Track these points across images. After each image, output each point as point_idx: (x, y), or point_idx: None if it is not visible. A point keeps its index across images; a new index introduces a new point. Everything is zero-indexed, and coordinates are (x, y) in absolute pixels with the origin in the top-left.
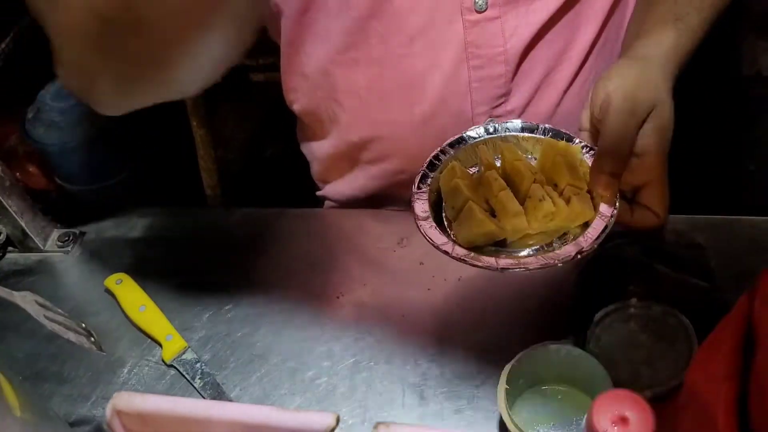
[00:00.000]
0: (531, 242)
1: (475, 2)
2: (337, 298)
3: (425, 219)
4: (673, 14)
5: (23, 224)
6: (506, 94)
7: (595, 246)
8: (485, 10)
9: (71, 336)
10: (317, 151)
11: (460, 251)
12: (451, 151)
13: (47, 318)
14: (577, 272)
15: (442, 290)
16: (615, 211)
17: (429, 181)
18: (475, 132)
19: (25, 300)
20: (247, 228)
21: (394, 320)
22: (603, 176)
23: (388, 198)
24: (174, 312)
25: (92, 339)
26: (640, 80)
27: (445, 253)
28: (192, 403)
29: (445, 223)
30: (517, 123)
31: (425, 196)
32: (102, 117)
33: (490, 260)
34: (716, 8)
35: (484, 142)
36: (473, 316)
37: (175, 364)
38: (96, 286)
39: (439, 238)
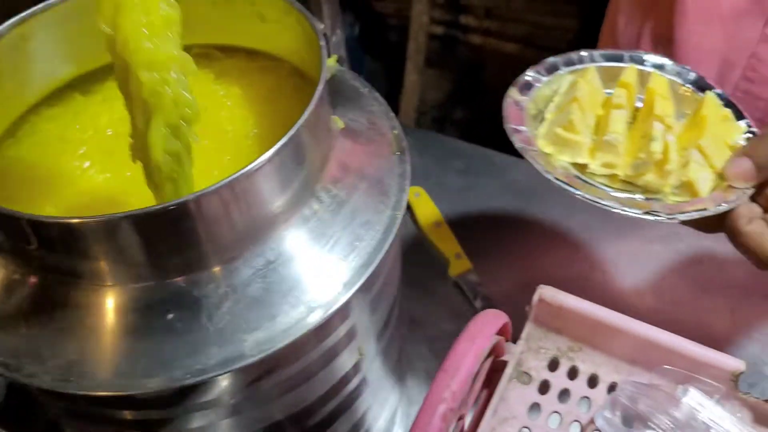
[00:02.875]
0: (611, 184)
1: None
2: (612, 267)
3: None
4: None
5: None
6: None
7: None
8: None
9: None
10: None
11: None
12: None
13: None
14: None
15: (717, 292)
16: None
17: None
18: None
19: None
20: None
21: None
22: (747, 163)
23: None
24: (462, 233)
25: None
26: None
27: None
28: (609, 312)
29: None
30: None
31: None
32: None
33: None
34: None
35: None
36: (746, 323)
37: (459, 281)
38: None
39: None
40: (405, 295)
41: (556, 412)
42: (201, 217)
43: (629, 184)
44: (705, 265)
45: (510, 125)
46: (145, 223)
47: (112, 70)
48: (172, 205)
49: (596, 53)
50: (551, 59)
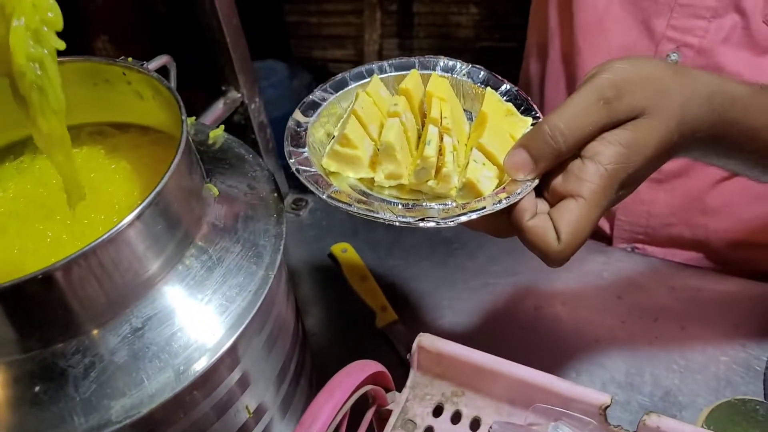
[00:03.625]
0: (400, 195)
1: (668, 56)
2: (535, 309)
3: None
4: None
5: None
6: None
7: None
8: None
9: None
10: None
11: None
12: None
13: None
14: None
15: (637, 325)
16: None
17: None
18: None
19: None
20: (458, 230)
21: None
22: (524, 154)
23: None
24: (389, 286)
25: None
26: (649, 77)
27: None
28: (485, 356)
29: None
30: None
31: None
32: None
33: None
34: None
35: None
36: (665, 355)
37: (386, 332)
38: (321, 250)
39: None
40: (332, 347)
41: None
42: (63, 287)
43: (419, 193)
44: (624, 300)
45: (289, 148)
46: (5, 296)
47: (9, 153)
48: (37, 275)
49: (386, 63)
50: (340, 75)
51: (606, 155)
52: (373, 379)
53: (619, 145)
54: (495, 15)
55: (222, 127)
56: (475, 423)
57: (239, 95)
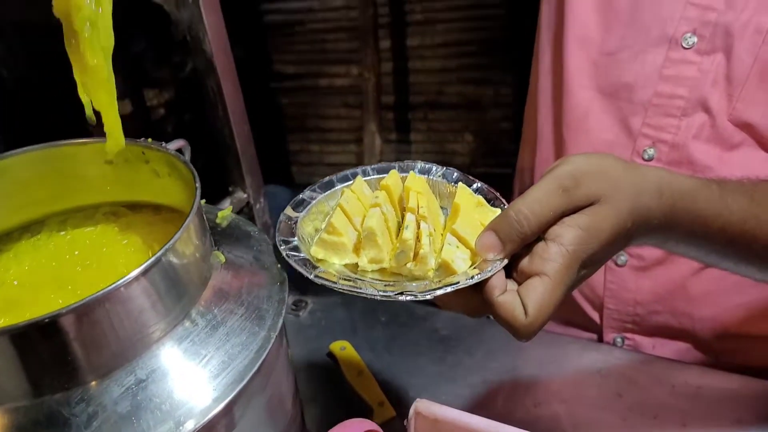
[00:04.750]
0: (382, 278)
1: (645, 150)
2: (534, 407)
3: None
4: (719, 192)
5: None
6: None
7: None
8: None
9: None
10: None
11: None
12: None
13: None
14: None
15: (638, 423)
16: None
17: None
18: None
19: None
20: (455, 327)
21: None
22: (493, 236)
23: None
24: (387, 382)
25: None
26: (603, 170)
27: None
28: (485, 422)
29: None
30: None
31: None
32: None
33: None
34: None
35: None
36: None
37: (383, 427)
38: (320, 349)
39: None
40: None
41: None
42: (68, 335)
43: (399, 276)
44: (624, 398)
45: (280, 237)
46: (14, 340)
47: (26, 231)
48: (45, 319)
49: (369, 168)
50: (327, 178)
51: (567, 237)
52: None
53: (578, 228)
54: (489, 142)
55: (230, 208)
56: None
57: (245, 195)
